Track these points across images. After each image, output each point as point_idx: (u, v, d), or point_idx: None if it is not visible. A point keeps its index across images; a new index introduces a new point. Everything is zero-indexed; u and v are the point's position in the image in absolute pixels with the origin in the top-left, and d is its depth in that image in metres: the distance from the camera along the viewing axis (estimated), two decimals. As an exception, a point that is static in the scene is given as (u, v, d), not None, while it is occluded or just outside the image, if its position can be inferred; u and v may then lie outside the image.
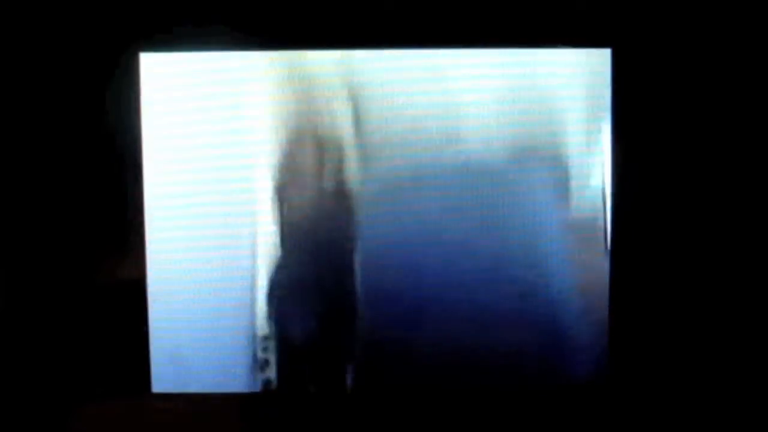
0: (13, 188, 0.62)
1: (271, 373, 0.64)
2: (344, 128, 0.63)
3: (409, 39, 0.62)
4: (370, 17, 0.62)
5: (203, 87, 0.62)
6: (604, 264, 0.63)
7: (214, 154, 0.62)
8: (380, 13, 0.62)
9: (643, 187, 0.63)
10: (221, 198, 0.63)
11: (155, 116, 0.62)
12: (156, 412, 0.63)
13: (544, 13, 0.62)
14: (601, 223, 0.63)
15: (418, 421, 0.64)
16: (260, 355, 0.64)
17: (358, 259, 0.63)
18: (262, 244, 0.63)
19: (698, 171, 0.62)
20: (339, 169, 0.63)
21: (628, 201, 0.62)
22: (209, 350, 0.64)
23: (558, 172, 0.63)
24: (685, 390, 0.63)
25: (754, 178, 0.62)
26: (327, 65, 0.62)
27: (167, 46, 0.61)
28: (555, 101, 0.62)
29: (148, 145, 0.62)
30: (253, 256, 0.63)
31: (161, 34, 0.61)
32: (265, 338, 0.64)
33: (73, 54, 0.61)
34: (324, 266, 0.64)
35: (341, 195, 0.63)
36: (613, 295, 0.62)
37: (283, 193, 0.63)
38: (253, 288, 0.63)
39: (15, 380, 0.63)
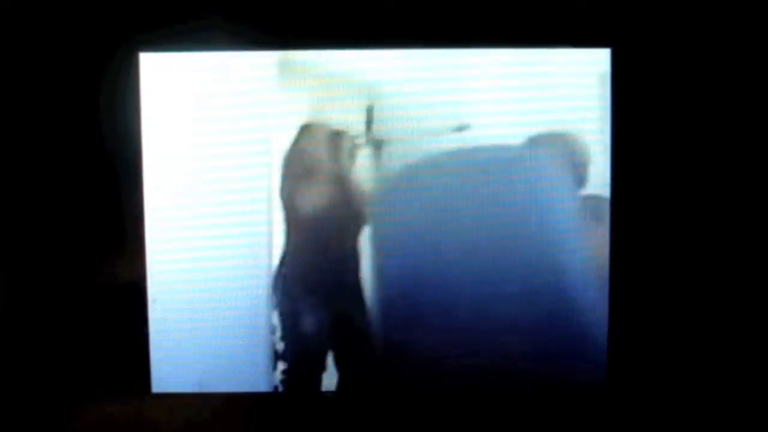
0: (12, 189, 0.62)
1: (271, 373, 0.64)
2: (347, 128, 0.63)
3: (410, 39, 0.62)
4: (372, 17, 0.62)
5: (203, 87, 0.62)
6: (605, 266, 0.63)
7: (214, 154, 0.62)
8: (379, 13, 0.62)
9: (643, 186, 0.63)
10: (221, 198, 0.63)
11: (155, 116, 0.62)
12: (156, 413, 0.63)
13: (544, 13, 0.62)
14: (604, 224, 0.63)
15: (419, 423, 0.64)
16: (259, 356, 0.64)
17: (375, 251, 0.63)
18: (264, 244, 0.63)
19: (698, 170, 0.63)
20: (344, 170, 0.63)
21: (628, 200, 0.62)
22: (208, 350, 0.64)
23: (563, 172, 0.63)
24: (684, 391, 0.63)
25: (754, 177, 0.62)
26: (327, 65, 0.62)
27: (167, 45, 0.61)
28: (556, 100, 0.62)
29: (148, 145, 0.62)
30: (255, 256, 0.63)
31: (161, 34, 0.61)
32: (266, 339, 0.64)
33: (72, 54, 0.61)
34: (333, 265, 0.64)
35: (349, 195, 0.63)
36: (613, 296, 0.63)
37: (287, 193, 0.63)
38: (254, 288, 0.63)
39: (15, 380, 0.63)
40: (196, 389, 0.63)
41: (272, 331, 0.64)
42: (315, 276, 0.64)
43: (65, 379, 0.63)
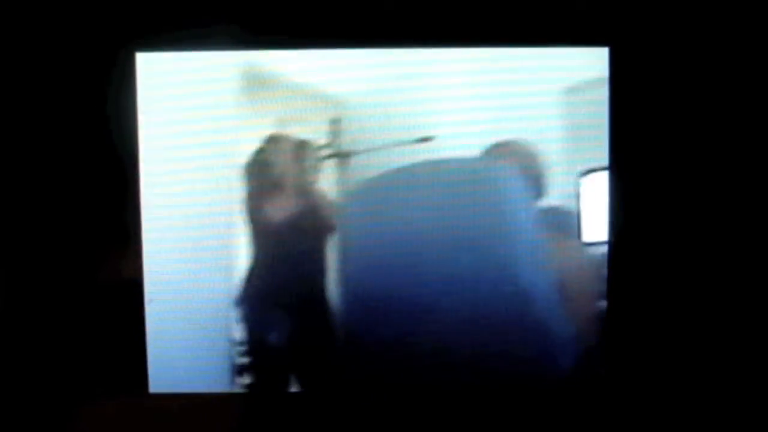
0: (10, 188, 0.62)
1: (266, 374, 0.64)
2: (313, 139, 0.63)
3: (409, 38, 0.61)
4: (368, 17, 0.62)
5: (199, 86, 0.62)
6: (573, 273, 0.63)
7: (209, 154, 0.62)
8: (382, 13, 0.62)
9: (641, 185, 0.62)
10: (219, 198, 0.63)
11: (152, 115, 0.62)
12: (153, 413, 0.63)
13: (542, 11, 0.61)
14: (568, 228, 0.63)
15: (408, 422, 0.64)
16: (256, 356, 0.64)
17: (341, 262, 0.63)
18: (236, 246, 0.63)
19: (697, 169, 0.62)
20: (311, 181, 0.63)
21: (626, 200, 0.62)
22: (207, 351, 0.64)
23: (541, 170, 0.63)
24: (681, 389, 0.63)
25: (753, 176, 0.62)
26: (296, 76, 0.62)
27: (164, 45, 0.61)
28: (550, 102, 0.62)
29: (145, 145, 0.62)
30: (229, 258, 0.63)
31: (158, 34, 0.61)
32: (260, 339, 0.64)
33: (70, 53, 0.61)
34: (309, 269, 0.64)
35: (324, 197, 0.64)
36: (611, 294, 0.63)
37: (268, 195, 0.63)
38: (249, 289, 0.63)
39: (14, 380, 0.63)
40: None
41: (246, 338, 0.64)
42: (282, 285, 0.64)
43: (63, 379, 0.63)
